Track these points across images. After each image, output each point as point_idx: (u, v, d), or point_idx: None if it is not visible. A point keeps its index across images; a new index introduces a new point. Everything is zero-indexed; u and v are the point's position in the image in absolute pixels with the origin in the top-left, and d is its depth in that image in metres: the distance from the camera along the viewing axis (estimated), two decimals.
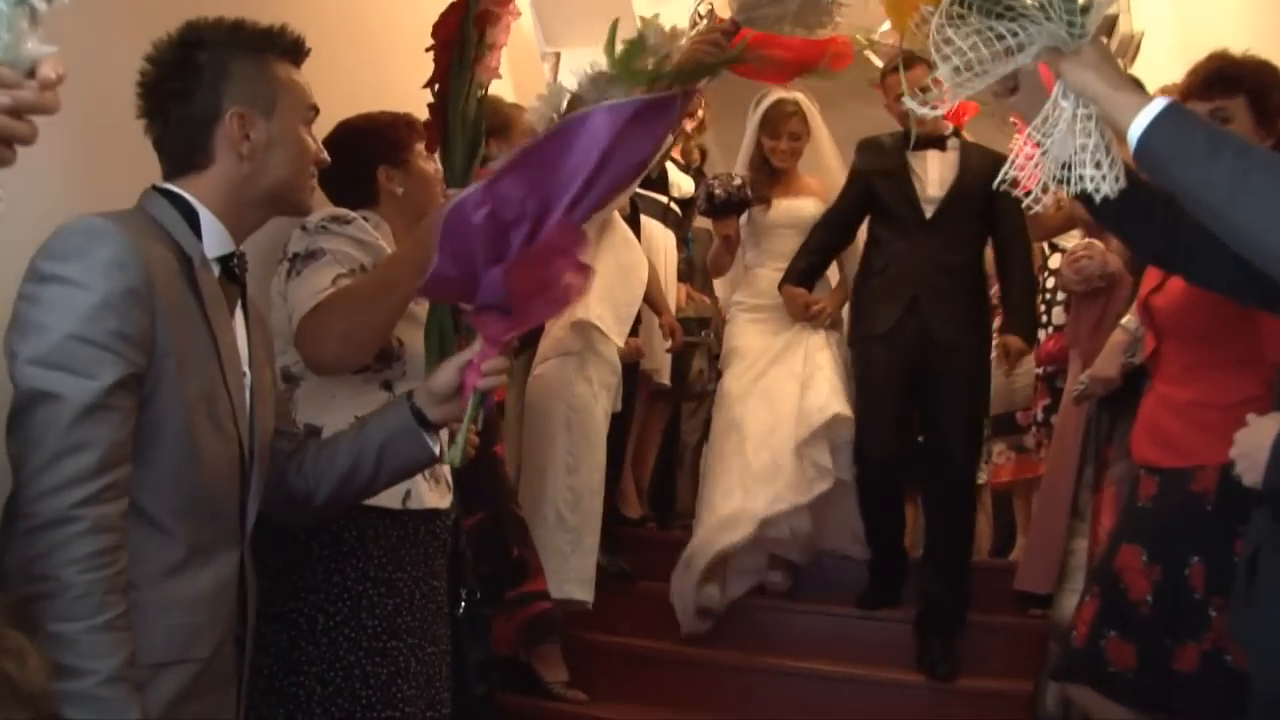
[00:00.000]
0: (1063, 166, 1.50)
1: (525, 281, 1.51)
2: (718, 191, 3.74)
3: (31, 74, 0.98)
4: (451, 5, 2.02)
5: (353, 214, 2.10)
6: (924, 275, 3.55)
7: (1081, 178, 1.48)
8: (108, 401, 1.32)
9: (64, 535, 1.27)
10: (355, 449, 1.70)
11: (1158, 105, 1.38)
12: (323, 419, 2.01)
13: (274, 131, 1.57)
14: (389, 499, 2.01)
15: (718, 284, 4.58)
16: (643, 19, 1.94)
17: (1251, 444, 1.50)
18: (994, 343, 3.80)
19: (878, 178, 3.69)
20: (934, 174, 3.61)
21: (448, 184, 2.07)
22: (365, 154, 2.21)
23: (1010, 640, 3.43)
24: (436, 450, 1.70)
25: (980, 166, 3.52)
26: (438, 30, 2.01)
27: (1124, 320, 2.74)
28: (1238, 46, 2.24)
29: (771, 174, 3.94)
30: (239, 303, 1.61)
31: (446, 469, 2.18)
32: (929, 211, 3.59)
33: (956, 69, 1.48)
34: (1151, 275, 2.40)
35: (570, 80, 1.92)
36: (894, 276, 3.60)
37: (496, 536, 2.95)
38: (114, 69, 1.60)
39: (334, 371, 1.98)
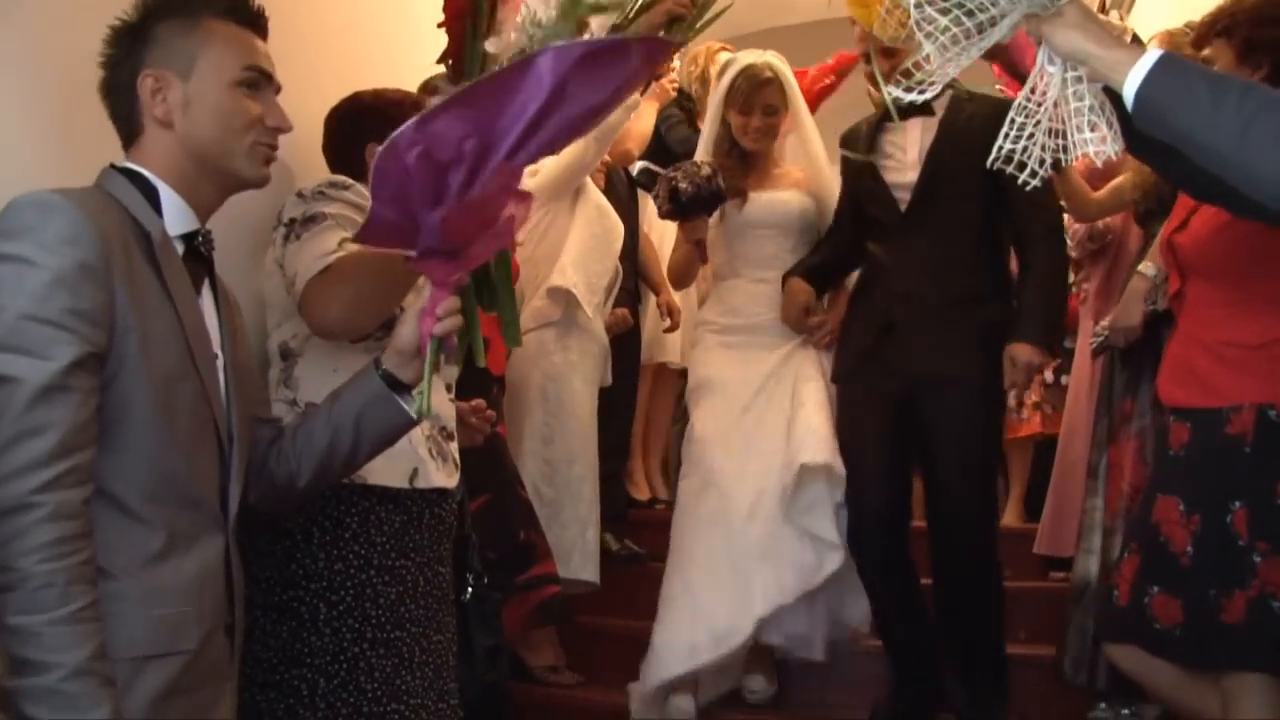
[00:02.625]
0: (1058, 134, 1.46)
1: (464, 226, 1.46)
2: (683, 186, 2.93)
3: None
4: None
5: (350, 180, 2.05)
6: (900, 288, 2.82)
7: (1082, 142, 1.44)
8: (65, 382, 1.26)
9: (22, 523, 1.21)
10: (331, 423, 1.63)
11: (1150, 58, 1.35)
12: (325, 394, 1.93)
13: (191, 92, 1.50)
14: (395, 478, 1.95)
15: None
16: None
17: None
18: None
19: (852, 174, 3.00)
20: (912, 150, 2.86)
21: None
22: (359, 128, 2.20)
23: (1034, 605, 3.34)
24: (412, 413, 1.63)
25: (973, 124, 2.73)
26: (450, 2, 1.94)
27: (1141, 267, 2.67)
28: None
29: (743, 160, 3.16)
30: (206, 282, 1.55)
31: (454, 447, 2.13)
32: (904, 201, 2.85)
33: (943, 46, 1.44)
34: (1175, 214, 2.33)
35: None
36: (870, 295, 2.92)
37: (502, 520, 2.87)
38: (88, 44, 1.54)
39: (340, 336, 1.91)
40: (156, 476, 1.37)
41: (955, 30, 1.43)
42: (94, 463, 1.29)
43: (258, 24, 1.58)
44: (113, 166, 1.49)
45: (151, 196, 1.46)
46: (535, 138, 1.43)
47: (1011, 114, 1.52)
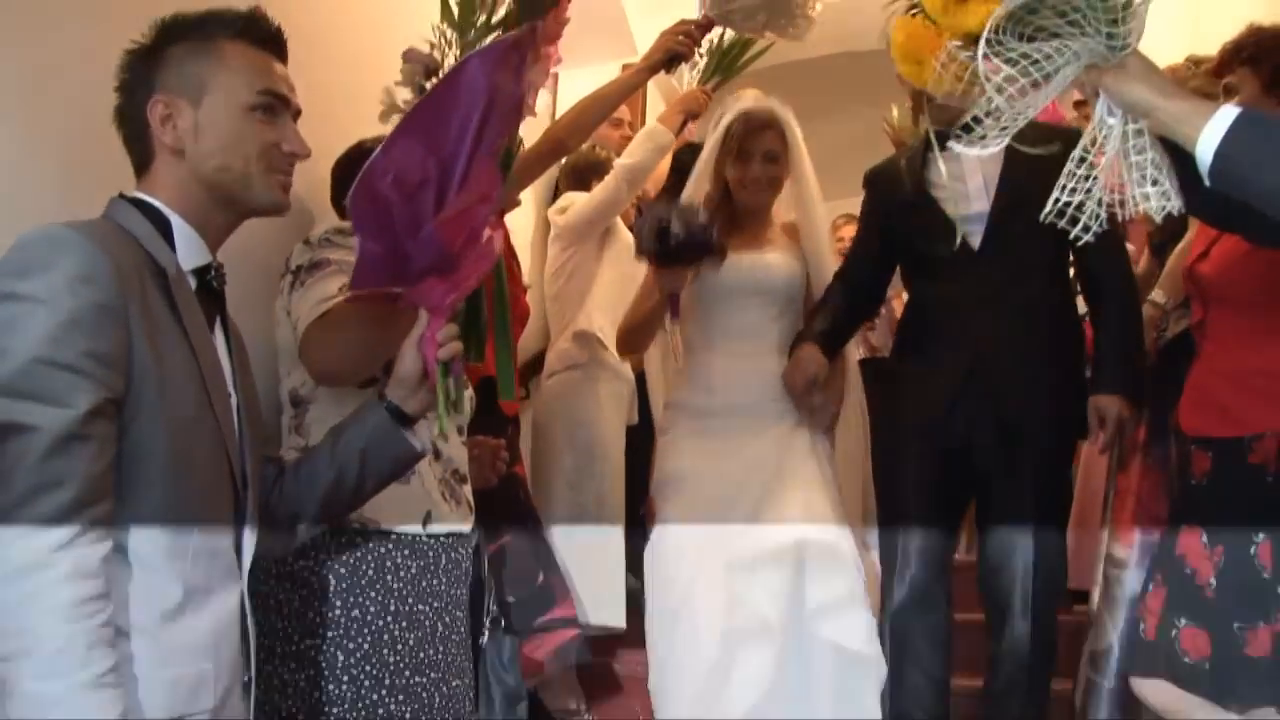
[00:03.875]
0: (1115, 190, 1.44)
1: (457, 228, 1.48)
2: (674, 229, 2.54)
3: None
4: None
5: None
6: (985, 328, 2.48)
7: (1143, 197, 1.41)
8: (83, 430, 1.19)
9: (39, 583, 1.13)
10: (336, 461, 1.58)
11: (1229, 114, 1.32)
12: None
13: (202, 118, 1.42)
14: (408, 522, 1.95)
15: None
16: None
17: None
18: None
19: (894, 212, 2.68)
20: (974, 179, 2.54)
21: None
22: None
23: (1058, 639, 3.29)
24: (418, 446, 1.61)
25: (1039, 148, 2.28)
26: None
27: (1152, 295, 2.67)
28: (1251, 17, 2.20)
29: (732, 216, 2.81)
30: (218, 319, 1.50)
31: (468, 490, 2.12)
32: (976, 236, 2.52)
33: (1011, 98, 1.41)
34: (1196, 243, 2.32)
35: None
36: (942, 340, 2.56)
37: (521, 561, 2.85)
38: (93, 72, 1.52)
39: (339, 382, 1.91)
40: (175, 527, 1.30)
41: (1023, 80, 1.40)
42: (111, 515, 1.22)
43: (275, 45, 1.51)
44: (122, 196, 1.43)
45: (163, 228, 1.40)
46: (485, 139, 1.48)
47: (1069, 165, 1.48)
